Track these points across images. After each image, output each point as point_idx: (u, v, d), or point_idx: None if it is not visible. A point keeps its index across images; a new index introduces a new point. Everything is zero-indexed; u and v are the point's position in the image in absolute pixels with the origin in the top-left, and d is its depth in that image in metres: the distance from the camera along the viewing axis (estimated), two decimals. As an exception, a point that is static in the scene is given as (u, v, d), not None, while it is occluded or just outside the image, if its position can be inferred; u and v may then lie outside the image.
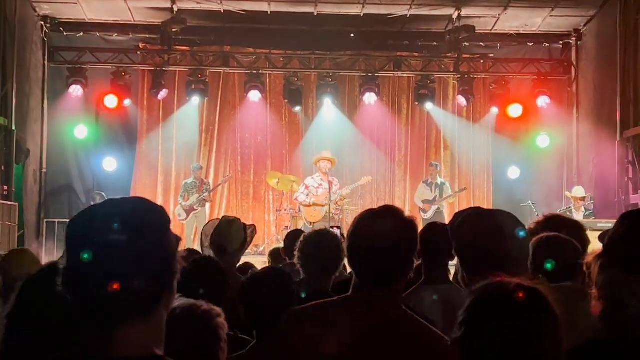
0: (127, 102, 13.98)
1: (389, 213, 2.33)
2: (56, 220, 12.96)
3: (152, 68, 14.02)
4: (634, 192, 12.06)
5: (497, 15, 13.42)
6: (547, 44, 14.80)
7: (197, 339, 2.19)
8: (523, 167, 14.38)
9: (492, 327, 1.61)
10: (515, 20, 13.74)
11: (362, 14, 13.22)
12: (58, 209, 13.71)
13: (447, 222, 3.76)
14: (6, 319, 1.90)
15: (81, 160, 14.27)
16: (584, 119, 13.99)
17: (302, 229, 7.91)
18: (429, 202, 13.12)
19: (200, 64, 14.18)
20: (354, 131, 14.71)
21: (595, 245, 3.13)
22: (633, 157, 12.18)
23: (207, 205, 13.53)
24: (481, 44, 14.47)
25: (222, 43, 14.31)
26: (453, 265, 3.10)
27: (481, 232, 2.41)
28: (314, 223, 12.11)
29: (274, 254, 6.02)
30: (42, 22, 13.57)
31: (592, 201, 12.16)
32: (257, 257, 10.83)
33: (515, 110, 14.17)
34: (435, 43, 14.40)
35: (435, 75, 14.44)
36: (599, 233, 2.89)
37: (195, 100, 14.14)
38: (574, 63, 14.42)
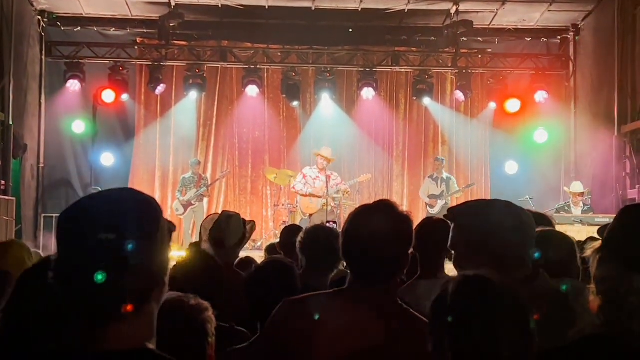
0: (124, 96, 13.96)
1: (384, 208, 2.32)
2: (54, 215, 12.91)
3: (150, 63, 14.00)
4: (631, 186, 12.08)
5: (495, 10, 13.41)
6: (545, 39, 14.80)
7: (185, 333, 2.19)
8: (521, 162, 14.38)
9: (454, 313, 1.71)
10: (513, 15, 13.73)
11: (359, 9, 13.21)
12: (55, 203, 13.68)
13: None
14: (1, 313, 1.90)
15: (79, 155, 14.27)
16: (582, 113, 14.00)
17: (300, 225, 7.91)
18: (435, 197, 13.10)
19: (197, 59, 14.17)
20: (352, 126, 14.70)
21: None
22: (630, 151, 12.20)
23: (205, 200, 13.53)
24: (479, 39, 14.48)
25: (219, 38, 14.28)
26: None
27: (475, 227, 2.39)
28: (310, 215, 12.12)
29: (271, 250, 6.01)
30: (40, 17, 13.55)
31: (590, 196, 12.17)
32: (254, 252, 10.80)
33: (513, 105, 14.16)
34: (433, 38, 14.40)
35: (433, 70, 14.43)
36: (597, 227, 2.89)
37: (193, 95, 14.12)
38: (572, 58, 14.42)
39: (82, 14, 13.68)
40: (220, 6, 13.07)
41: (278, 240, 5.63)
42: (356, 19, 13.68)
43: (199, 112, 14.67)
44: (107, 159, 13.95)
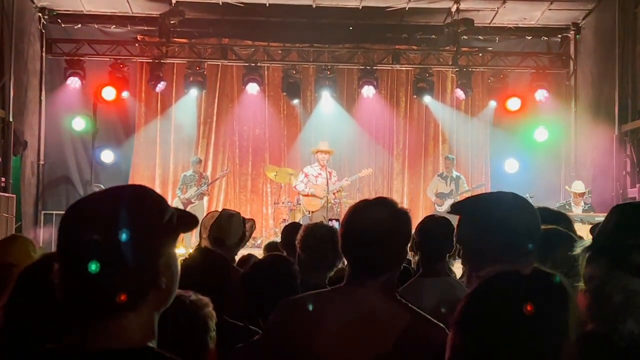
0: (125, 94, 13.95)
1: (382, 203, 2.33)
2: (54, 212, 12.93)
3: (150, 60, 13.98)
4: (631, 185, 12.08)
5: (496, 9, 13.40)
6: (545, 38, 14.79)
7: (186, 329, 2.19)
8: (521, 160, 14.37)
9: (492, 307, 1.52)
10: (514, 14, 13.72)
11: (360, 7, 13.20)
12: (56, 201, 13.69)
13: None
14: (2, 309, 1.90)
15: (79, 152, 14.25)
16: (582, 112, 13.99)
17: (300, 222, 7.90)
18: (444, 196, 13.08)
19: (198, 56, 14.16)
20: (352, 124, 14.70)
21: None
22: (631, 150, 12.20)
23: (205, 198, 13.54)
24: (480, 37, 14.46)
25: (220, 35, 14.27)
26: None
27: (484, 218, 2.34)
28: (313, 212, 12.13)
29: (270, 248, 6.00)
30: (40, 14, 13.53)
31: (590, 195, 12.17)
32: (254, 250, 10.79)
33: (513, 103, 14.15)
34: (433, 36, 14.40)
35: (434, 69, 14.42)
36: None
37: (194, 92, 14.12)
38: (573, 57, 14.41)
39: (82, 11, 13.66)
40: (220, 3, 13.06)
41: (278, 238, 5.63)
42: (357, 16, 13.68)
43: (199, 110, 14.66)
44: (107, 156, 13.94)
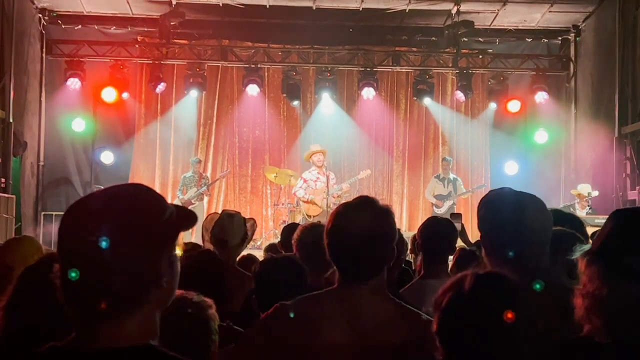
0: (125, 95, 13.95)
1: (363, 205, 2.32)
2: (53, 213, 12.93)
3: (150, 61, 13.99)
4: (631, 188, 12.07)
5: (496, 11, 13.41)
6: (545, 40, 14.80)
7: (189, 330, 2.18)
8: (521, 162, 14.38)
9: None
10: (514, 16, 13.73)
11: (360, 9, 13.20)
12: (55, 201, 13.69)
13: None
14: (4, 309, 1.90)
15: (79, 153, 14.25)
16: (582, 115, 13.99)
17: (300, 223, 7.87)
18: (442, 198, 13.08)
19: (198, 58, 14.16)
20: (352, 126, 14.70)
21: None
22: (631, 153, 12.19)
23: (205, 199, 13.53)
24: (480, 39, 14.47)
25: (220, 37, 14.27)
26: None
27: (507, 207, 2.40)
28: (314, 217, 12.09)
29: (270, 249, 5.99)
30: (40, 15, 13.53)
31: (591, 197, 12.15)
32: (254, 251, 10.76)
33: (513, 105, 14.16)
34: (433, 38, 14.40)
35: (434, 70, 14.43)
36: (596, 229, 2.88)
37: (194, 93, 14.12)
38: (573, 59, 14.42)
39: (82, 12, 13.66)
40: (221, 5, 13.06)
41: (278, 239, 5.61)
42: (357, 18, 13.68)
43: (199, 111, 14.67)
44: (107, 157, 13.93)
